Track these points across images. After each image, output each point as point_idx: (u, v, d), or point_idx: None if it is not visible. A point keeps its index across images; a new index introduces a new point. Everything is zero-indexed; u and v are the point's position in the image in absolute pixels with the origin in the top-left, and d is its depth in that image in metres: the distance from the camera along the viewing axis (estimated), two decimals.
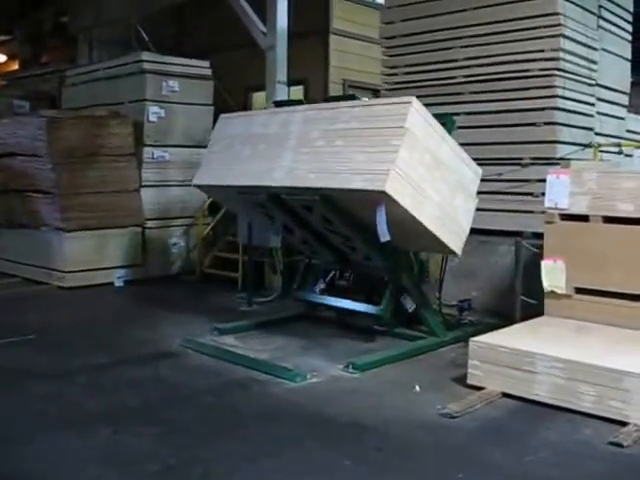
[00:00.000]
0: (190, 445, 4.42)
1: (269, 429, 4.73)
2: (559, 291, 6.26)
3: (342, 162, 6.10)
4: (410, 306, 6.88)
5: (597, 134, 8.46)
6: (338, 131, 6.29)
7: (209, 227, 10.60)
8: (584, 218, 6.20)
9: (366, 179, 5.82)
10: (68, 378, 5.69)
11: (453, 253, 6.52)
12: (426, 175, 6.07)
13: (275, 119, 7.02)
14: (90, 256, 9.54)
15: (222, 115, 7.85)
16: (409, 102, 5.92)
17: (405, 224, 6.00)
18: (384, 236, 5.86)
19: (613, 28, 8.88)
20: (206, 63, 10.96)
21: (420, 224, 6.00)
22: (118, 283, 9.73)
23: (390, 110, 6.06)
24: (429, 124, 6.14)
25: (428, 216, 6.06)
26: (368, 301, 7.44)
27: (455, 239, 6.41)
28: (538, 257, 6.53)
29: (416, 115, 5.93)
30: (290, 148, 6.60)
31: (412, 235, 6.32)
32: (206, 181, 7.42)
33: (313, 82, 12.01)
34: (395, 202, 5.72)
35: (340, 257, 7.09)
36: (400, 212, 5.84)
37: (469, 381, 5.48)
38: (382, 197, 5.70)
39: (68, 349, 6.56)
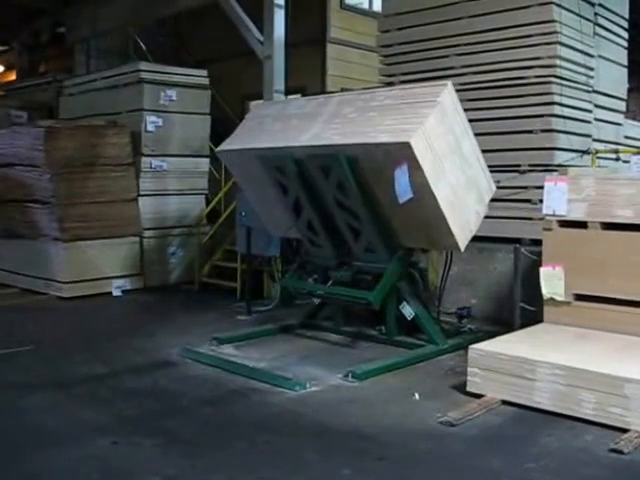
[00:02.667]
0: (189, 455, 4.41)
1: (269, 438, 4.72)
2: (558, 298, 6.26)
3: (371, 126, 6.40)
4: (409, 314, 6.88)
5: (595, 140, 8.48)
6: (372, 107, 6.61)
7: (207, 236, 10.60)
8: (582, 225, 6.20)
9: (392, 135, 6.12)
10: (67, 389, 5.68)
11: (457, 248, 6.49)
12: (447, 154, 6.28)
13: (312, 102, 7.37)
14: (88, 266, 9.54)
15: (256, 102, 8.20)
16: (445, 84, 6.40)
17: (416, 202, 6.12)
18: (405, 194, 6.02)
19: (609, 35, 8.93)
20: (203, 72, 10.99)
21: (433, 198, 6.09)
22: (116, 293, 9.73)
23: (425, 90, 6.48)
24: (458, 112, 6.46)
25: (442, 194, 6.17)
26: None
27: (462, 233, 6.43)
28: (537, 264, 6.53)
29: (449, 97, 6.34)
30: (322, 121, 6.86)
31: (419, 222, 6.38)
32: (230, 146, 7.60)
33: (310, 91, 12.02)
34: (415, 162, 5.90)
35: (340, 251, 7.07)
36: (417, 179, 5.99)
37: (469, 389, 5.47)
38: (405, 152, 5.90)
39: (66, 360, 6.54)
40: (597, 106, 8.61)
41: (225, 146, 7.70)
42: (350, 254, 7.03)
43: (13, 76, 17.08)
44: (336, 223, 6.93)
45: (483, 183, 6.78)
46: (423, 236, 6.64)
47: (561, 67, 7.75)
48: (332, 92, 11.78)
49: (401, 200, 6.12)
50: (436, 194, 6.10)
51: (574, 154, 7.94)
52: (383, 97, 6.70)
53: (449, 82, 6.48)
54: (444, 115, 6.30)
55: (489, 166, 7.39)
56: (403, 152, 5.94)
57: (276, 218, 7.65)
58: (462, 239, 6.45)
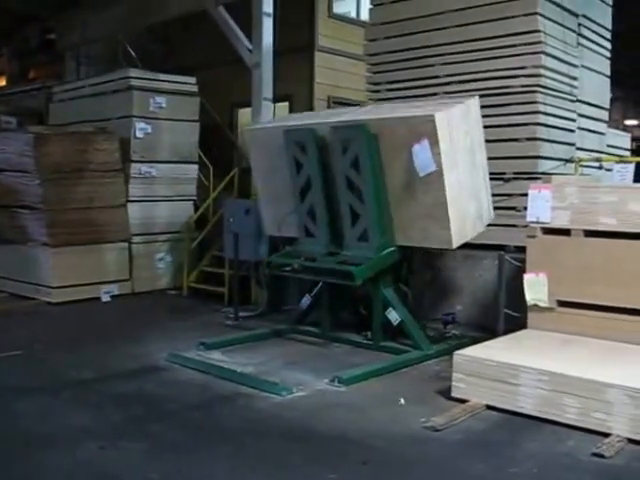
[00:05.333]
0: (176, 460, 4.44)
1: (255, 443, 4.76)
2: (542, 304, 6.32)
3: (400, 112, 6.98)
4: (395, 319, 6.94)
5: (578, 149, 8.57)
6: (404, 107, 7.21)
7: (195, 242, 10.63)
8: (566, 232, 6.28)
9: (418, 113, 6.70)
10: (55, 393, 5.69)
11: (450, 244, 6.61)
12: (462, 151, 6.73)
13: (345, 108, 8.00)
14: (77, 271, 9.54)
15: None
16: (474, 97, 7.05)
17: (424, 185, 6.47)
18: (427, 167, 6.38)
19: (593, 45, 9.04)
20: (192, 79, 11.03)
21: (442, 181, 6.39)
22: (105, 298, 9.73)
23: (455, 99, 7.08)
24: (479, 125, 7.01)
25: (449, 182, 6.47)
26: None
27: (457, 229, 6.60)
28: (521, 271, 6.60)
29: (474, 107, 6.95)
30: (352, 113, 7.34)
31: (420, 210, 6.61)
32: (259, 125, 8.13)
33: (298, 99, 12.09)
34: (435, 138, 6.31)
35: (333, 241, 7.18)
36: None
37: (453, 394, 5.52)
38: (428, 126, 6.34)
39: (55, 364, 6.56)
40: (581, 115, 8.71)
41: (254, 125, 8.20)
42: (341, 246, 7.12)
43: (3, 82, 17.06)
44: (338, 207, 7.13)
45: (484, 202, 7.07)
46: (419, 228, 6.76)
47: (545, 77, 7.84)
48: (320, 100, 11.94)
49: (422, 173, 6.45)
50: (445, 178, 6.39)
51: (558, 162, 8.02)
52: (417, 102, 7.40)
53: (477, 96, 7.06)
54: (467, 117, 6.81)
55: None
56: (426, 126, 6.34)
57: (276, 210, 7.74)
58: (456, 236, 6.59)
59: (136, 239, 10.36)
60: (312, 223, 7.32)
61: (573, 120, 8.49)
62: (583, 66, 8.71)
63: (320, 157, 7.15)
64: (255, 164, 8.12)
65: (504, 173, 7.90)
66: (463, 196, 6.74)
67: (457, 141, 6.65)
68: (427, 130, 6.38)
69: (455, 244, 6.62)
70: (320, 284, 7.55)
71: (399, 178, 6.73)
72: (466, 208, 6.79)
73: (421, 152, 6.42)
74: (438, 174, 6.42)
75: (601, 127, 9.39)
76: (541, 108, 7.81)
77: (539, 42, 7.75)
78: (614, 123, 10.20)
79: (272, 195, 7.88)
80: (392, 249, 6.94)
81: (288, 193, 7.53)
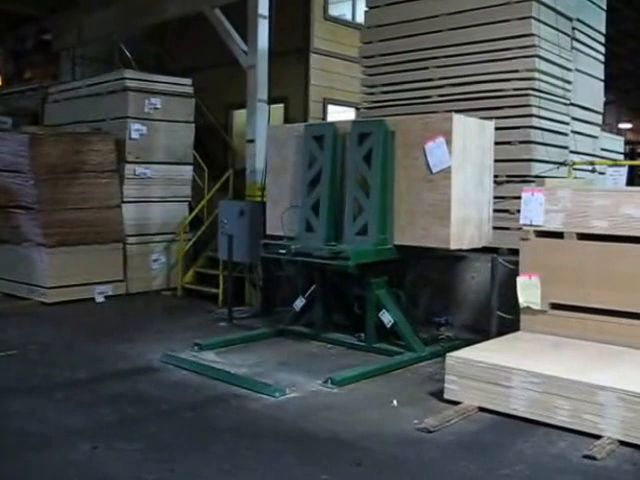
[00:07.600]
0: (169, 460, 4.45)
1: (248, 444, 4.76)
2: (534, 307, 6.35)
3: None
4: (388, 321, 6.96)
5: (572, 152, 8.60)
6: None
7: (190, 243, 10.65)
8: (559, 235, 6.31)
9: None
10: (49, 393, 5.70)
11: (447, 243, 6.66)
12: (472, 160, 6.98)
13: None
14: (71, 272, 9.53)
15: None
16: (492, 120, 7.38)
17: (431, 183, 6.71)
18: (441, 164, 6.58)
19: (587, 49, 9.08)
20: (188, 81, 11.04)
21: (448, 180, 6.59)
22: (99, 299, 9.73)
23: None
24: (490, 152, 7.27)
25: (456, 181, 6.67)
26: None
27: (456, 229, 6.70)
28: (514, 273, 6.63)
29: (489, 131, 7.27)
30: None
31: (423, 206, 6.77)
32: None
33: (293, 100, 12.12)
34: (449, 136, 6.57)
35: (335, 234, 7.24)
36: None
37: (446, 396, 5.54)
38: (445, 125, 6.64)
39: (49, 364, 6.56)
40: (574, 119, 8.75)
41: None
42: (340, 241, 7.15)
43: None
44: (342, 203, 7.25)
45: (485, 225, 7.21)
46: (420, 226, 6.82)
47: (539, 80, 7.88)
48: (315, 102, 11.97)
49: (436, 169, 6.66)
50: (452, 176, 6.57)
51: (551, 165, 8.05)
52: None
53: (493, 121, 7.36)
54: (482, 135, 7.12)
55: None
56: (443, 124, 6.66)
57: (282, 210, 7.76)
58: (455, 236, 6.67)
59: (131, 240, 10.36)
60: (314, 217, 7.37)
61: (567, 123, 8.53)
62: (577, 70, 8.76)
63: (335, 150, 7.30)
64: (270, 162, 8.20)
65: (497, 176, 7.91)
66: (467, 201, 6.85)
67: (469, 149, 6.85)
68: (443, 128, 6.64)
69: (453, 244, 6.66)
70: (314, 286, 7.56)
71: (407, 175, 6.88)
72: (468, 214, 6.89)
73: (435, 149, 6.63)
74: (446, 172, 6.59)
75: (595, 131, 9.44)
76: (535, 111, 7.85)
77: (533, 46, 7.79)
78: (608, 127, 10.22)
79: (280, 195, 7.92)
80: (390, 247, 7.00)
81: (296, 193, 7.64)
